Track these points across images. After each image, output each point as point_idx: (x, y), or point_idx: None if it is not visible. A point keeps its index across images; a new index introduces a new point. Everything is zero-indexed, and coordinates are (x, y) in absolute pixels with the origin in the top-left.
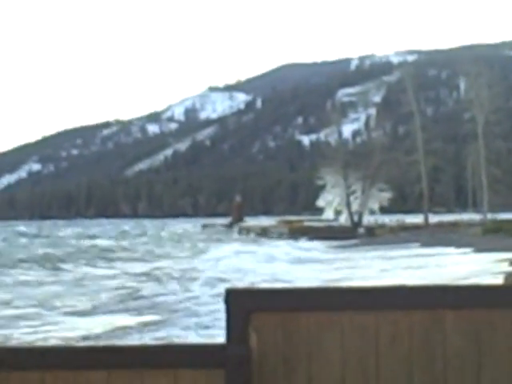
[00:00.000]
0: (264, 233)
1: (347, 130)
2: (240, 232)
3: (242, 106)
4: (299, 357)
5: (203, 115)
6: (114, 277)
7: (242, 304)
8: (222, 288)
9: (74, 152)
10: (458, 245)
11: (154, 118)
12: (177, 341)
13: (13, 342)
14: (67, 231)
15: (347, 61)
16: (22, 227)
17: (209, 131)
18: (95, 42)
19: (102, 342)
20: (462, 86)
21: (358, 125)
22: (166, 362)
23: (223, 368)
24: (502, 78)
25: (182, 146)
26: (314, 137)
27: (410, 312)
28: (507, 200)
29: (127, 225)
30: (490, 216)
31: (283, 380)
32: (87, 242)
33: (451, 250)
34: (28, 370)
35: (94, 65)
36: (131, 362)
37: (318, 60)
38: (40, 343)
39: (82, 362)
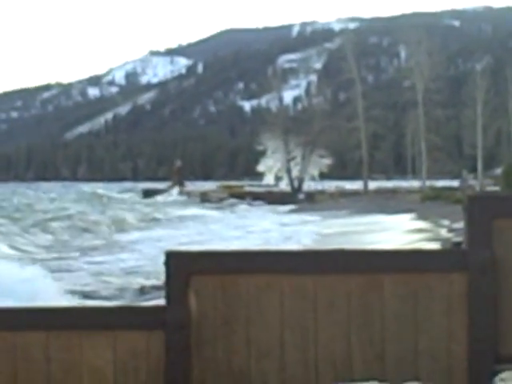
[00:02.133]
0: (204, 197)
1: (288, 96)
2: (181, 195)
3: (183, 71)
4: (238, 319)
5: (144, 79)
6: None
7: (182, 266)
8: None
9: (14, 115)
10: (397, 211)
11: (95, 81)
12: (117, 303)
13: None
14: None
15: (289, 27)
16: None
17: (150, 95)
18: (37, 2)
19: (40, 304)
20: (403, 53)
21: (298, 91)
22: (105, 323)
23: (163, 330)
24: (441, 47)
25: (123, 109)
26: (254, 102)
27: (347, 275)
28: (446, 167)
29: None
30: (428, 183)
31: (222, 342)
32: None
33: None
34: None
35: (34, 26)
36: (70, 324)
37: (260, 26)
38: None
39: (20, 322)
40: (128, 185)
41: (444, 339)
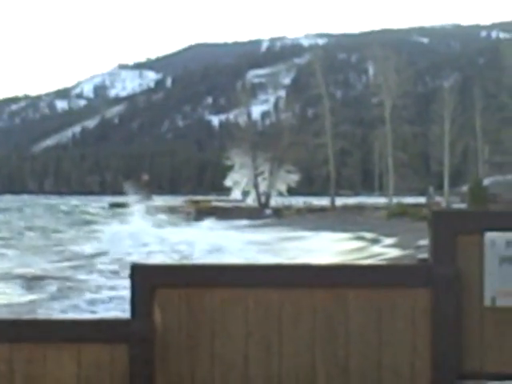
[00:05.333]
0: (172, 212)
1: (256, 111)
2: (148, 211)
3: (151, 85)
4: (203, 333)
5: (112, 93)
6: None
7: (147, 279)
8: None
9: None
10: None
11: (63, 94)
12: (81, 316)
13: None
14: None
15: (258, 42)
16: None
17: (118, 109)
18: (5, 14)
19: (5, 315)
20: (371, 70)
21: (267, 106)
22: (69, 336)
23: (127, 343)
24: (409, 63)
25: (91, 123)
26: (223, 117)
27: (312, 290)
28: (413, 184)
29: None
30: (395, 200)
31: (186, 356)
32: None
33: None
34: None
35: (2, 37)
36: (34, 336)
37: (229, 40)
38: None
39: None
40: (95, 198)
41: (408, 354)
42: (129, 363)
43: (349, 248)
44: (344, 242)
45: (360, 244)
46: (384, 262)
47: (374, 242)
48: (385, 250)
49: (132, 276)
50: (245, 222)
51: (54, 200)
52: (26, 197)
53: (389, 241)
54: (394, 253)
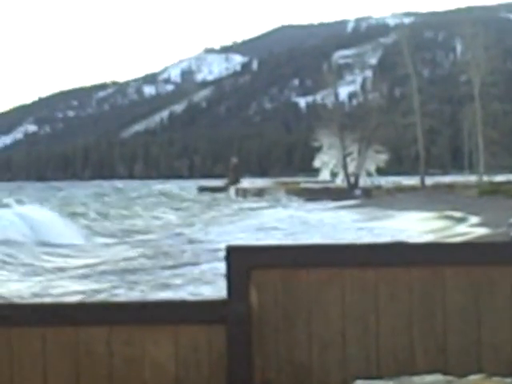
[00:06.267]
0: (261, 194)
1: (343, 92)
2: (237, 194)
3: (238, 68)
4: (299, 313)
5: (199, 77)
6: None
7: (243, 261)
8: None
9: (70, 113)
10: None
11: (150, 79)
12: (178, 297)
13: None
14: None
15: (344, 23)
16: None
17: (205, 93)
18: (92, 2)
19: (103, 299)
20: (459, 48)
21: (354, 87)
22: (166, 318)
23: (224, 324)
24: (498, 40)
25: (178, 107)
26: (310, 99)
27: (409, 268)
28: (503, 162)
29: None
30: (486, 178)
31: (284, 336)
32: None
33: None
34: (29, 326)
35: (90, 25)
36: (132, 318)
37: (315, 22)
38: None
39: (83, 317)
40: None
41: (507, 332)
42: (226, 344)
43: (434, 227)
44: (430, 221)
45: (446, 223)
46: (481, 240)
47: (461, 220)
48: (471, 230)
49: (228, 257)
50: (334, 203)
51: (153, 185)
52: (117, 182)
53: (476, 219)
54: (481, 231)
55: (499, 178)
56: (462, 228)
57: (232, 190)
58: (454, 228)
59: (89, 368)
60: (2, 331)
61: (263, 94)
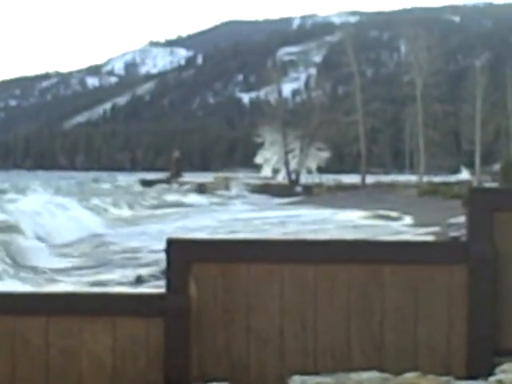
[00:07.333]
0: (202, 189)
1: (287, 88)
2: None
3: (182, 62)
4: (238, 307)
5: (143, 70)
6: None
7: (183, 254)
8: None
9: (12, 103)
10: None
11: (94, 70)
12: (116, 290)
13: None
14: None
15: (289, 20)
16: None
17: (149, 86)
18: None
19: (41, 289)
20: (403, 48)
21: (298, 84)
22: (104, 309)
23: (162, 317)
24: (441, 42)
25: (122, 100)
26: (253, 95)
27: (348, 266)
28: (443, 163)
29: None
30: (426, 178)
31: (222, 330)
32: None
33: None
34: None
35: (34, 14)
36: (70, 309)
37: (260, 18)
38: None
39: (21, 308)
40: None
41: (444, 331)
42: (164, 337)
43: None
44: (363, 220)
45: (379, 222)
46: (421, 239)
47: (395, 219)
48: (404, 229)
49: (168, 250)
50: (277, 200)
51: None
52: (59, 173)
53: (410, 219)
54: (418, 232)
55: (439, 179)
56: (396, 227)
57: (174, 185)
58: (388, 227)
59: (25, 358)
60: None
61: (207, 89)
